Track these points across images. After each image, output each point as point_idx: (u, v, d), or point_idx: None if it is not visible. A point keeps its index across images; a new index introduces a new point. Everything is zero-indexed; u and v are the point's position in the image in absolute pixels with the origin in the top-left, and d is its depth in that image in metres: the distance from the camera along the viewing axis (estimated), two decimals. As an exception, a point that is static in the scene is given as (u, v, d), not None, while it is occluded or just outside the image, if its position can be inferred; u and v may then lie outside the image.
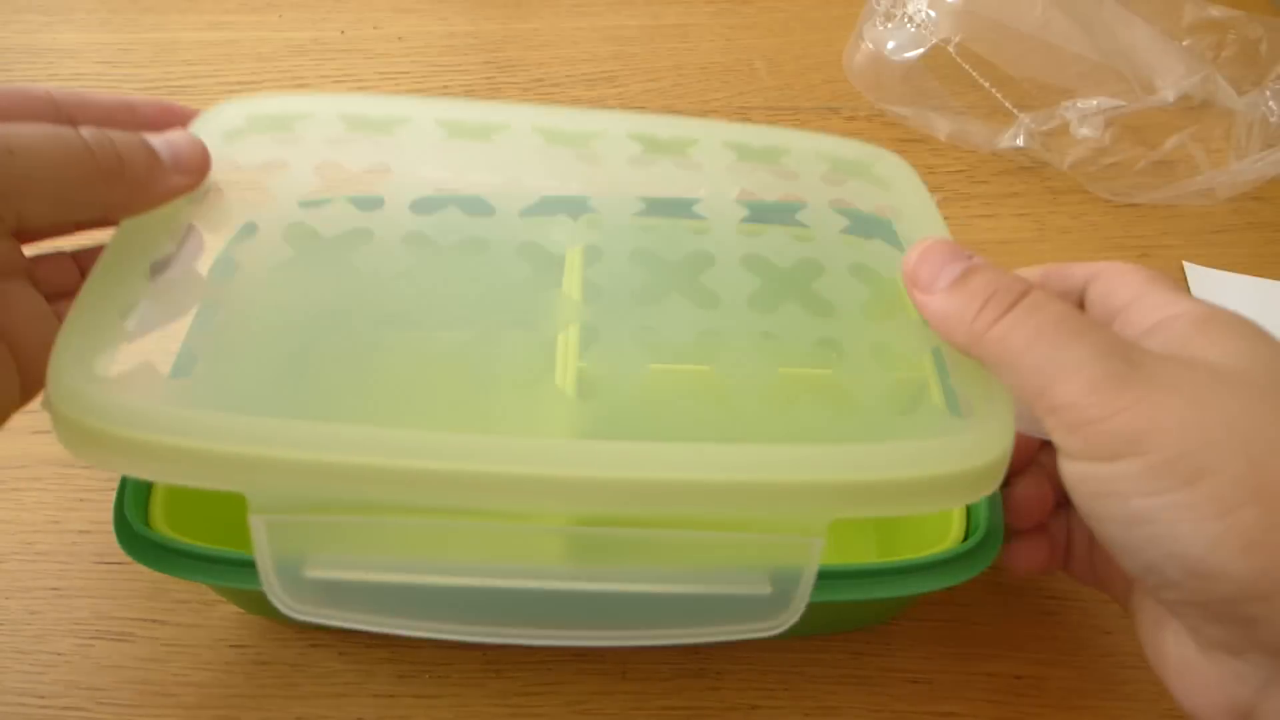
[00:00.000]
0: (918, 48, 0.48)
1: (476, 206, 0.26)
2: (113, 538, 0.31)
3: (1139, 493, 0.19)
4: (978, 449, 0.22)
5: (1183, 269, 0.42)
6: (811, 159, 0.30)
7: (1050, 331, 0.21)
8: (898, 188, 0.29)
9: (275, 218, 0.25)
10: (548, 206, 0.27)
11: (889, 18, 0.49)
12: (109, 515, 0.32)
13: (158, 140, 0.24)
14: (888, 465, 0.22)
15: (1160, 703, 0.29)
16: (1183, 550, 0.19)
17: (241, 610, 0.30)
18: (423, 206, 0.26)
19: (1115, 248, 0.43)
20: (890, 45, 0.48)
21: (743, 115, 0.49)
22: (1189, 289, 0.41)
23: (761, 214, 0.28)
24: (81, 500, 0.32)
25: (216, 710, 0.28)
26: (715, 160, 0.29)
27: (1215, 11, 0.50)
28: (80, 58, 0.51)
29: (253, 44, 0.52)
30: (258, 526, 0.21)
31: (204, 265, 0.25)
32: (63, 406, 0.21)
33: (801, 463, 0.22)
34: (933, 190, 0.45)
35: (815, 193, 0.29)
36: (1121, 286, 0.23)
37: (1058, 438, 0.21)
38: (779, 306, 0.25)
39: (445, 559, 0.23)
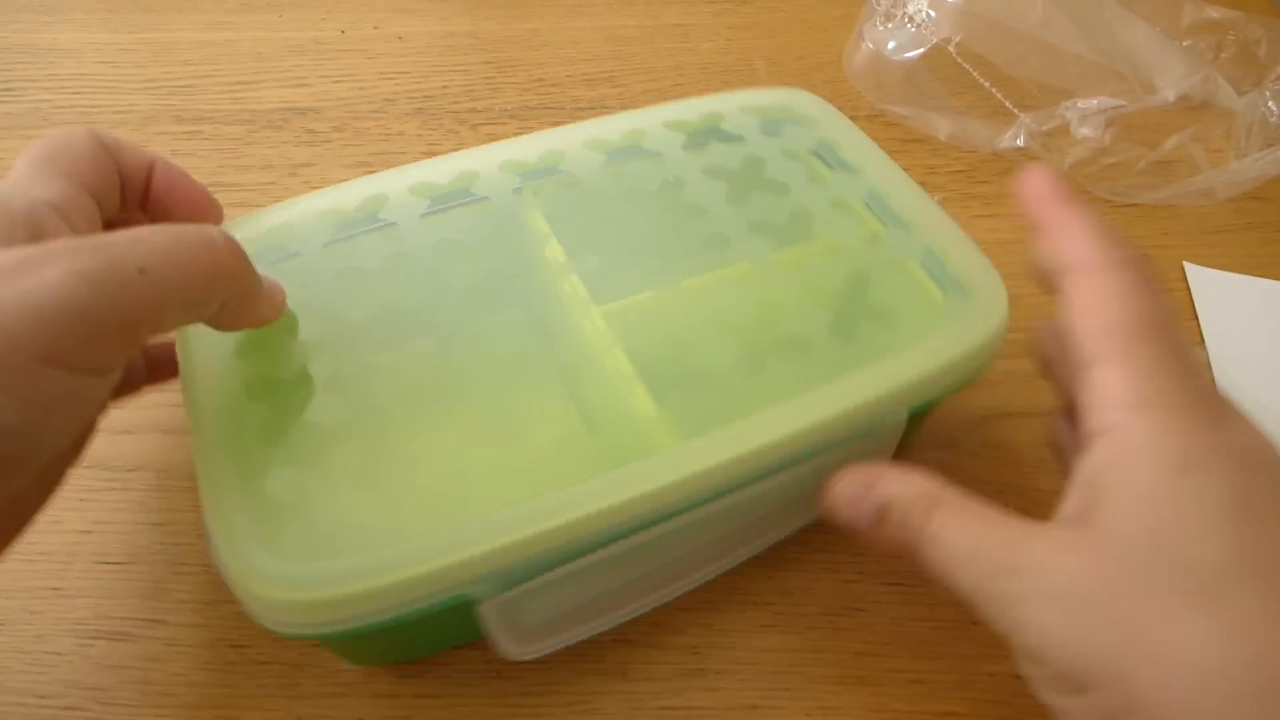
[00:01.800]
0: (918, 48, 0.48)
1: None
2: (113, 538, 0.31)
3: (1045, 691, 0.21)
4: (987, 317, 0.28)
5: (1183, 269, 0.42)
6: (741, 116, 0.35)
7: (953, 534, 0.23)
8: (824, 123, 0.35)
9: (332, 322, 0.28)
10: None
11: (889, 18, 0.49)
12: (110, 515, 0.32)
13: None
14: (931, 357, 0.27)
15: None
16: None
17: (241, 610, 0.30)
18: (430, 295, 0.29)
19: (1115, 248, 0.43)
20: (890, 45, 0.49)
21: (743, 115, 0.49)
22: (1189, 289, 0.41)
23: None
24: (82, 500, 0.32)
25: (217, 710, 0.28)
26: (670, 144, 0.34)
27: (1215, 12, 0.50)
28: (80, 58, 0.51)
29: (253, 44, 0.52)
30: (489, 611, 0.24)
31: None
32: (270, 592, 0.22)
33: (863, 386, 0.26)
34: (933, 190, 0.45)
35: (763, 149, 0.34)
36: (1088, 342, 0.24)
37: None
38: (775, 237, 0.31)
39: (617, 570, 0.26)
